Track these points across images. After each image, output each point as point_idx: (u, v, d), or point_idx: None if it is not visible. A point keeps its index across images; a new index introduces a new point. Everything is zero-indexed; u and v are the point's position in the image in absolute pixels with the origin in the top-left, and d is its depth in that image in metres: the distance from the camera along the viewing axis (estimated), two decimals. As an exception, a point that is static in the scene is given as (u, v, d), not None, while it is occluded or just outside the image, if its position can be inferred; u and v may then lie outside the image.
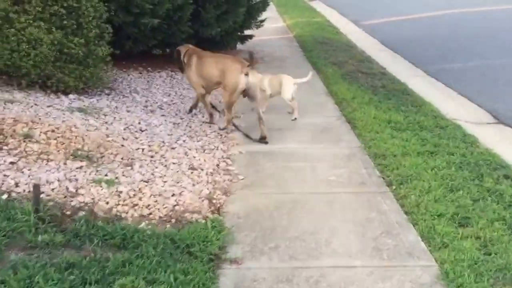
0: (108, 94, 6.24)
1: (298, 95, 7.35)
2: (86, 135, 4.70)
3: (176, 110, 6.20)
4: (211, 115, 5.93)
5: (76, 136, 4.62)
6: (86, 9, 5.72)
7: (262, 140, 5.47)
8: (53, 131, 4.59)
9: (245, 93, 5.49)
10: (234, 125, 5.81)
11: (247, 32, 9.64)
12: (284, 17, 15.66)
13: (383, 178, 4.51)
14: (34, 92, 5.63)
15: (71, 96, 5.74)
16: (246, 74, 5.36)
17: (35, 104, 5.27)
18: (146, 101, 6.33)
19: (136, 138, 5.03)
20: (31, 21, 5.39)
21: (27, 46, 5.36)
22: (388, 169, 4.61)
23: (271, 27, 11.58)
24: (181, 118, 5.93)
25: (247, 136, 5.59)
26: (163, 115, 5.92)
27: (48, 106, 5.29)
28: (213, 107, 6.09)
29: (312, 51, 10.37)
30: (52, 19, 5.53)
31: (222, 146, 5.28)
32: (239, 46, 9.96)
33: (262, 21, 9.80)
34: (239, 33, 9.18)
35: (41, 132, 4.49)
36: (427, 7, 16.74)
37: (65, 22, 5.60)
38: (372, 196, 4.21)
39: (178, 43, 7.74)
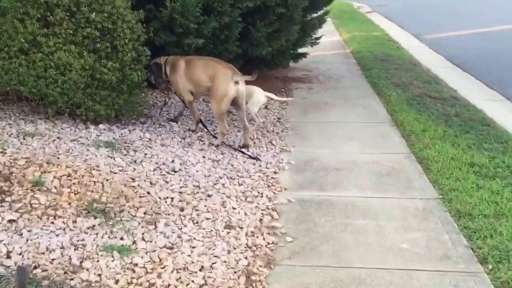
0: (143, 123, 5.54)
1: (358, 123, 6.48)
2: (107, 180, 3.99)
3: (223, 146, 5.42)
4: (197, 123, 5.65)
5: (95, 182, 3.91)
6: (122, 31, 5.05)
7: (243, 148, 5.33)
8: (69, 175, 3.90)
9: (234, 101, 5.24)
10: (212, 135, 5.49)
11: (301, 50, 8.79)
12: (340, 30, 14.72)
13: (473, 250, 3.53)
14: (61, 122, 5.00)
15: (101, 126, 5.07)
16: (236, 82, 5.11)
17: (58, 138, 4.63)
18: (184, 132, 5.59)
19: (167, 182, 4.27)
20: (61, 45, 4.75)
21: (54, 72, 4.72)
22: (479, 237, 3.62)
23: (326, 42, 10.69)
24: (222, 154, 5.14)
25: (238, 150, 5.28)
26: (202, 149, 5.15)
27: (72, 141, 4.63)
28: (202, 122, 5.70)
29: (371, 70, 9.42)
30: (84, 42, 4.88)
31: (267, 191, 4.46)
32: (291, 63, 9.14)
33: (318, 38, 8.94)
34: (292, 51, 8.33)
35: (54, 178, 3.80)
36: (497, 20, 15.37)
37: (98, 45, 4.94)
38: (462, 279, 3.23)
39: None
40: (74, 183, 3.82)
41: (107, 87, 5.05)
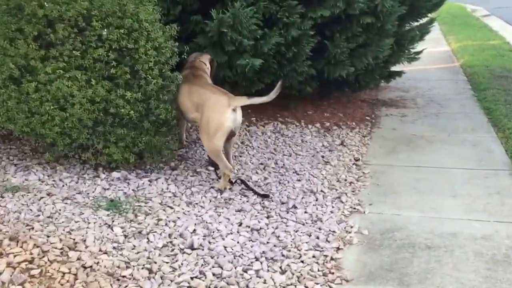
0: (174, 169, 4.34)
1: (465, 170, 4.84)
2: (87, 267, 2.82)
3: (266, 200, 4.08)
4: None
5: (64, 273, 2.74)
6: (145, 52, 3.88)
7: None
8: (31, 261, 2.77)
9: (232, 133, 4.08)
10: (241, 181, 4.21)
11: (394, 68, 7.20)
12: (448, 38, 12.71)
13: None
14: (64, 168, 3.95)
15: (115, 174, 3.95)
16: (234, 110, 3.98)
17: (48, 194, 3.57)
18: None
19: (174, 269, 3.02)
20: (62, 71, 3.69)
21: (52, 107, 3.66)
22: None
23: (430, 52, 8.91)
24: (268, 216, 3.79)
25: (257, 193, 4.09)
26: (240, 210, 3.84)
27: (66, 199, 3.55)
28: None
29: (486, 90, 7.58)
30: (95, 66, 3.77)
31: (320, 285, 3.05)
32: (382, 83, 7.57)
33: (418, 52, 7.25)
34: (383, 69, 6.76)
35: (7, 267, 2.68)
36: None
37: (113, 70, 3.81)
38: None
39: (293, 87, 5.70)
40: (33, 276, 2.68)
41: (125, 124, 3.92)
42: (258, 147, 5.14)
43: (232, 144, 4.25)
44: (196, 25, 4.87)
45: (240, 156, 4.83)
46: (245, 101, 3.99)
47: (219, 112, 3.93)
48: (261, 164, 4.72)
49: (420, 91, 7.85)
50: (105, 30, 3.75)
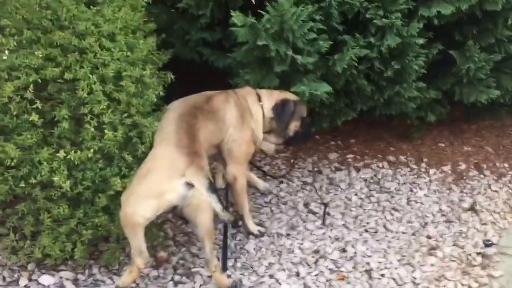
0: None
1: None
2: None
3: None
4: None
5: None
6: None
7: None
8: None
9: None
10: None
11: None
12: None
13: None
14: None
15: (45, 279, 2.72)
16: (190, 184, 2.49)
17: None
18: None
19: None
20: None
21: None
22: None
23: None
24: None
25: None
26: None
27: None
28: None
29: None
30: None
31: None
32: None
33: None
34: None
35: None
36: None
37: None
38: None
39: (407, 115, 3.95)
40: None
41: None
42: (336, 215, 3.49)
43: (206, 230, 2.63)
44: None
45: (287, 236, 3.24)
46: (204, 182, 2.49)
47: (165, 175, 2.49)
48: (315, 252, 3.08)
49: None
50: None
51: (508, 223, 3.55)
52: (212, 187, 2.52)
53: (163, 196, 2.45)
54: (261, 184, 3.63)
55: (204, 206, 2.51)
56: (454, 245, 3.23)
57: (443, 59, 3.74)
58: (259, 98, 3.14)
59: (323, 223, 3.33)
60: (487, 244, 3.26)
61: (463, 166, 4.32)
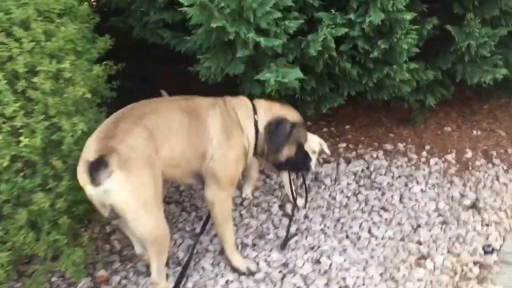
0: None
1: None
2: None
3: None
4: None
5: None
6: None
7: None
8: None
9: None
10: None
11: None
12: None
13: None
14: None
15: None
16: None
17: None
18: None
19: None
20: None
21: None
22: None
23: None
24: None
25: None
26: None
27: None
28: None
29: None
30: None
31: None
32: None
33: None
34: None
35: None
36: None
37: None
38: None
39: (402, 99, 3.51)
40: None
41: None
42: (315, 218, 3.07)
43: (146, 239, 2.29)
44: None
45: (253, 246, 2.86)
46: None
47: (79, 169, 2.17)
48: (283, 266, 2.68)
49: None
50: None
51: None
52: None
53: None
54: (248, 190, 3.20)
55: (129, 207, 2.13)
56: (448, 252, 2.79)
57: (442, 35, 3.23)
58: (255, 111, 2.63)
59: (283, 246, 2.79)
60: (487, 250, 2.81)
61: (469, 154, 3.83)
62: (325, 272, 2.63)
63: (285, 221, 2.99)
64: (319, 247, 2.80)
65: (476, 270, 2.67)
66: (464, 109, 4.37)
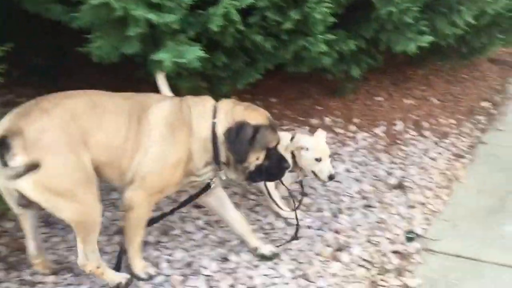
0: None
1: None
2: None
3: None
4: None
5: None
6: None
7: None
8: None
9: None
10: None
11: None
12: None
13: None
14: None
15: None
16: None
17: None
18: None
19: None
20: None
21: None
22: None
23: None
24: None
25: None
26: None
27: None
28: None
29: None
30: None
31: None
32: None
33: None
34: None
35: None
36: None
37: None
38: None
39: (325, 71, 3.25)
40: None
41: None
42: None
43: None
44: None
45: (157, 244, 2.61)
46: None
47: None
48: (187, 266, 2.44)
49: None
50: None
51: (442, 203, 2.93)
52: None
53: None
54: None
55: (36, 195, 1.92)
56: (367, 241, 2.60)
57: (362, 2, 2.96)
58: (215, 112, 2.25)
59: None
60: (410, 237, 2.64)
61: (399, 126, 3.65)
62: (232, 271, 2.39)
63: (195, 213, 2.74)
64: (228, 241, 2.57)
65: (395, 261, 2.49)
66: (397, 76, 4.18)
